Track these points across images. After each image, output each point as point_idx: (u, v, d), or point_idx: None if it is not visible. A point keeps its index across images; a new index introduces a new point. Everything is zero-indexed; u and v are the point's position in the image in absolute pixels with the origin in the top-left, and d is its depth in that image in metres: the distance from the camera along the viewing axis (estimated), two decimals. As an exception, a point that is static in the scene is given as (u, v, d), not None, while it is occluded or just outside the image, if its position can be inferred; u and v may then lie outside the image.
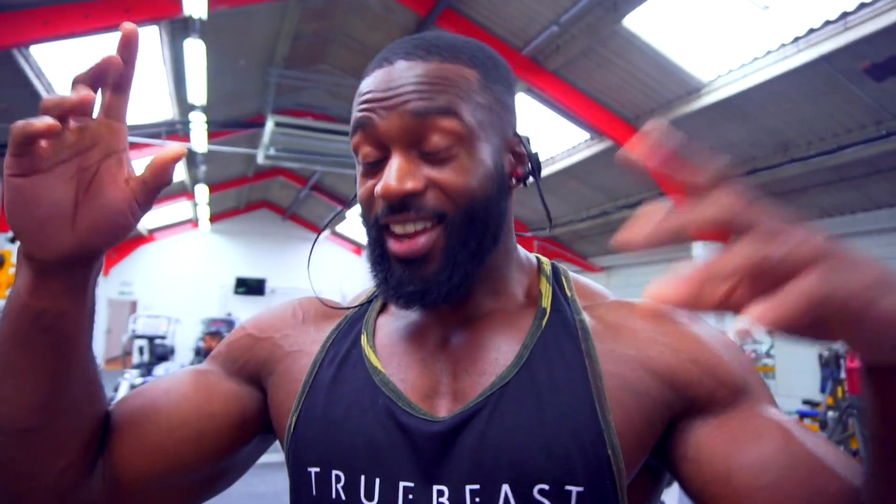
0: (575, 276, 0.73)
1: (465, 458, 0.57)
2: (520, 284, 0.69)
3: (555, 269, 0.72)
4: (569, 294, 0.68)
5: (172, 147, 0.55)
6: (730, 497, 0.53)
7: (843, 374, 5.46)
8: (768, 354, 9.17)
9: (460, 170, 0.59)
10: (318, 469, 0.61)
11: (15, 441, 0.57)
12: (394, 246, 0.60)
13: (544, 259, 0.74)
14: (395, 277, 0.61)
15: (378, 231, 0.62)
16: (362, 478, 0.59)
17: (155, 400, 0.67)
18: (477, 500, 0.56)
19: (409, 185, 0.58)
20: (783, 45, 5.16)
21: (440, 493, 0.56)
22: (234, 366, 0.71)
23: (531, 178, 0.69)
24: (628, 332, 0.62)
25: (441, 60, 0.61)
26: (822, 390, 5.94)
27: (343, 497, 0.59)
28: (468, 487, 0.56)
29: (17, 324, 0.55)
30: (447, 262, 0.60)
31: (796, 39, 5.04)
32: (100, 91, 0.53)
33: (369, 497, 0.58)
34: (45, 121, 0.47)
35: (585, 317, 0.65)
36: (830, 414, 5.33)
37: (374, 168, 0.61)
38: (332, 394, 0.63)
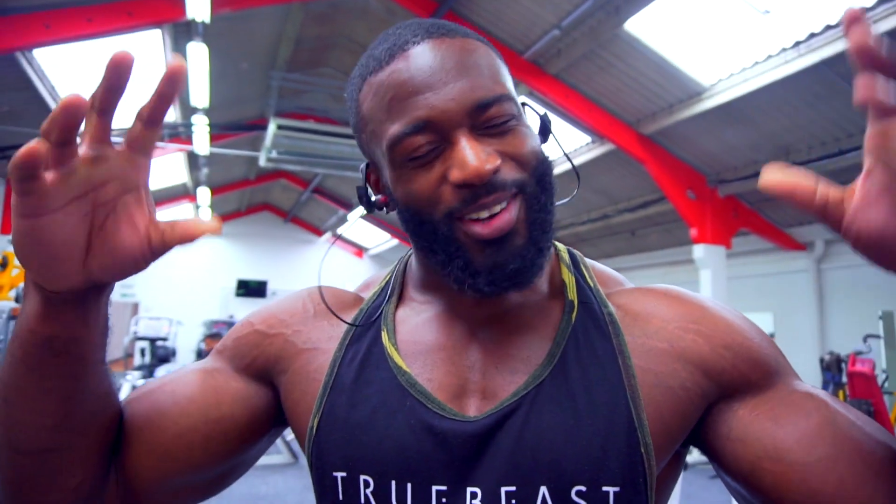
0: (592, 263, 0.72)
1: (500, 459, 0.55)
2: (545, 273, 0.66)
3: (572, 256, 0.70)
4: (591, 284, 0.67)
5: (210, 222, 0.49)
6: (785, 473, 0.54)
7: (844, 378, 5.44)
8: (770, 358, 9.16)
9: (522, 137, 0.58)
10: (344, 474, 0.59)
11: (32, 461, 0.57)
12: (479, 229, 0.56)
13: (559, 245, 0.71)
14: (488, 262, 0.57)
15: (451, 225, 0.57)
16: (393, 483, 0.57)
17: (161, 404, 0.66)
18: (513, 501, 0.54)
19: (491, 162, 0.55)
20: (784, 50, 5.16)
21: (473, 496, 0.55)
22: (242, 362, 0.69)
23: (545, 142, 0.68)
24: (657, 323, 0.61)
25: (462, 37, 0.59)
26: (824, 394, 5.92)
27: (373, 502, 0.58)
28: (504, 489, 0.55)
29: (28, 348, 0.53)
30: (531, 232, 0.58)
31: (797, 44, 5.05)
32: (134, 123, 0.50)
33: (401, 502, 0.57)
34: (39, 144, 0.42)
35: (612, 308, 0.64)
36: (832, 418, 5.32)
37: (429, 159, 0.57)
38: (356, 395, 0.61)
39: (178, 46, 6.70)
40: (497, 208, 0.56)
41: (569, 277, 0.66)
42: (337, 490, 0.59)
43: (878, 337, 6.83)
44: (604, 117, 6.92)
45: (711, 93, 5.97)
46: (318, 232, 16.97)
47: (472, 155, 0.54)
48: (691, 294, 0.65)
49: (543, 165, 0.59)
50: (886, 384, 6.64)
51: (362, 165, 0.67)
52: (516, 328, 0.62)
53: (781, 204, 7.86)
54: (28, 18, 5.07)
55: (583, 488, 0.54)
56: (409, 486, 0.56)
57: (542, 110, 0.66)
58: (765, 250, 8.59)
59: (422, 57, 0.57)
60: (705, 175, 7.40)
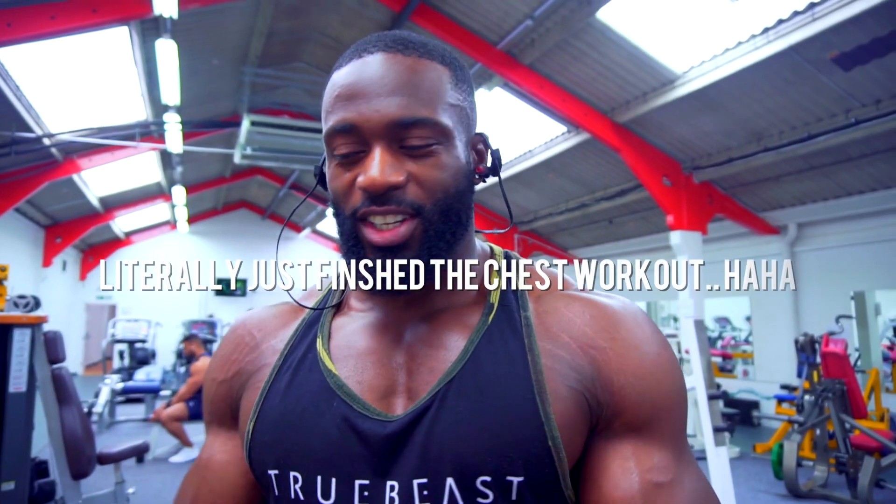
0: (531, 265, 0.73)
1: (413, 454, 0.59)
2: (474, 278, 0.70)
3: (508, 260, 0.74)
4: (517, 286, 0.70)
5: None
6: None
7: (818, 359, 5.57)
8: (747, 341, 9.33)
9: (438, 165, 0.62)
10: (276, 471, 0.63)
11: None
12: (372, 235, 0.61)
13: (498, 250, 0.76)
14: (373, 265, 0.62)
15: (354, 223, 0.63)
16: (318, 478, 0.61)
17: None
18: (425, 492, 0.58)
19: (393, 177, 0.60)
20: (753, 36, 5.24)
21: (392, 489, 0.59)
22: (227, 416, 0.73)
23: (491, 176, 0.72)
24: (565, 338, 0.64)
25: (419, 56, 0.63)
26: (799, 375, 6.06)
27: (301, 497, 0.61)
28: (415, 482, 0.59)
29: None
30: (421, 250, 0.62)
31: (766, 30, 5.12)
32: None
33: (326, 496, 0.60)
34: None
35: (531, 312, 0.67)
36: (807, 398, 5.44)
37: (351, 160, 0.62)
38: (288, 397, 0.65)
39: (146, 43, 6.57)
40: (391, 219, 0.60)
41: (496, 283, 0.70)
42: (273, 487, 0.64)
43: (850, 317, 7.00)
44: (578, 107, 6.95)
45: (684, 80, 6.04)
46: (298, 228, 16.84)
47: (376, 166, 0.59)
48: (612, 312, 0.65)
49: (450, 198, 0.63)
50: (859, 363, 6.82)
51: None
52: (438, 330, 0.66)
53: (754, 189, 8.01)
54: (-11, 17, 4.93)
55: (487, 478, 0.57)
56: (333, 480, 0.60)
57: (495, 145, 0.70)
58: (739, 235, 8.74)
59: (369, 66, 0.62)
60: (680, 162, 7.49)
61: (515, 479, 0.58)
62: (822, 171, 7.00)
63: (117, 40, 6.47)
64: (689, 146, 7.23)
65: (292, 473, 0.62)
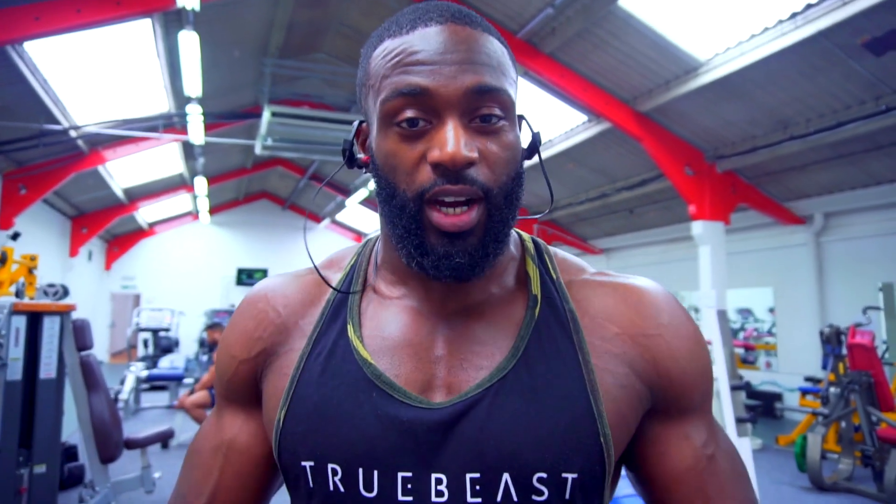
0: (555, 251, 0.73)
1: (465, 447, 0.58)
2: (511, 266, 0.69)
3: (537, 247, 0.72)
4: (554, 276, 0.69)
5: None
6: (649, 497, 0.66)
7: (844, 351, 5.47)
8: (770, 332, 9.20)
9: (504, 144, 0.59)
10: (312, 463, 0.61)
11: None
12: (441, 220, 0.57)
13: (525, 235, 0.73)
14: (439, 250, 0.58)
15: (419, 203, 0.58)
16: (360, 471, 0.59)
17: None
18: (477, 487, 0.57)
19: (471, 153, 0.56)
20: (780, 22, 5.12)
21: (439, 481, 0.58)
22: (247, 396, 0.70)
23: (531, 159, 0.69)
24: (613, 329, 0.64)
25: (483, 30, 0.61)
26: (824, 367, 5.97)
27: (342, 489, 0.59)
28: (469, 476, 0.57)
29: None
30: (486, 237, 0.59)
31: (794, 15, 5.01)
32: None
33: (368, 489, 0.58)
34: None
35: (573, 305, 0.66)
36: (832, 390, 5.36)
37: (416, 132, 0.58)
38: (322, 388, 0.62)
39: (169, 35, 6.63)
40: (462, 198, 0.57)
41: (533, 270, 0.68)
42: (307, 479, 0.61)
43: (877, 308, 6.86)
44: (600, 96, 6.88)
45: (708, 68, 5.93)
46: (317, 218, 16.95)
47: (453, 138, 0.55)
48: (651, 297, 0.66)
49: (511, 181, 0.60)
50: (887, 355, 6.69)
51: (356, 122, 0.68)
52: (481, 323, 0.64)
53: (780, 178, 7.87)
54: (17, 11, 5.01)
55: (543, 475, 0.57)
56: (375, 472, 0.58)
57: (536, 128, 0.67)
58: (764, 225, 8.60)
59: (439, 35, 0.58)
60: (703, 151, 7.38)
61: (570, 476, 0.58)
62: (851, 160, 6.85)
63: (141, 33, 6.54)
64: (713, 135, 7.12)
65: (330, 465, 0.59)
